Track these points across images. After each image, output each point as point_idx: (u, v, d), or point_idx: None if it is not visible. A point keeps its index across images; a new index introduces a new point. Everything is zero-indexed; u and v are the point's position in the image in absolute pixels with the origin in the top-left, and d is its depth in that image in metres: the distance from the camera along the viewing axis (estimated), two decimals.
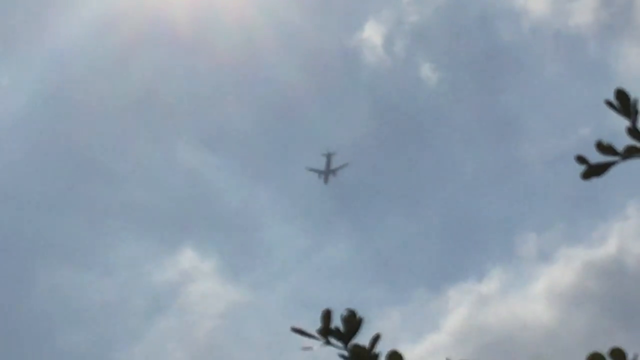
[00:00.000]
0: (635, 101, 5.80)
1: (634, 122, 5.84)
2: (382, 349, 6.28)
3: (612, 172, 5.99)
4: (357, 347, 6.30)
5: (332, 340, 6.34)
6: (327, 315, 6.23)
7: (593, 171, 5.95)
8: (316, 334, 6.31)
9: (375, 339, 6.32)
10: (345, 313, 6.23)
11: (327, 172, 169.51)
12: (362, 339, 6.39)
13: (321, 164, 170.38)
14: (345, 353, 6.37)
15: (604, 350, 6.20)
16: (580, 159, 5.96)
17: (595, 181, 5.99)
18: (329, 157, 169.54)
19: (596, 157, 5.96)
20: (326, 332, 6.22)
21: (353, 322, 6.23)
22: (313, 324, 6.34)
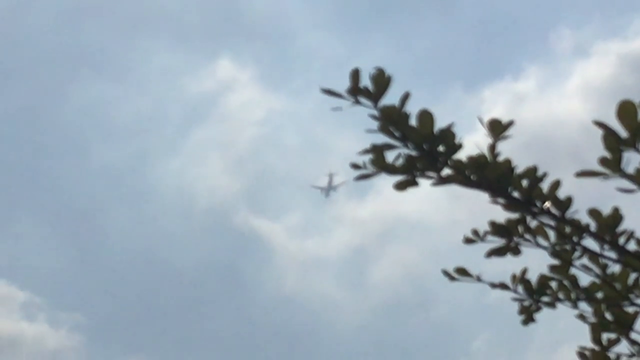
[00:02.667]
0: None
1: None
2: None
3: None
4: (387, 107, 6.31)
5: (362, 99, 6.34)
6: (355, 75, 6.21)
7: None
8: (345, 94, 6.30)
9: (405, 97, 6.31)
10: (373, 72, 6.20)
11: None
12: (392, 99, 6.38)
13: None
14: (375, 113, 6.38)
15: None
16: None
17: None
18: None
19: None
20: (355, 91, 6.21)
21: (382, 80, 6.21)
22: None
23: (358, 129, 6.61)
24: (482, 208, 7.34)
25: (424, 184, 6.83)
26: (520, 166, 6.82)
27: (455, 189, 6.76)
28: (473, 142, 6.78)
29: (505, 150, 6.75)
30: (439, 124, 6.51)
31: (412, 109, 6.41)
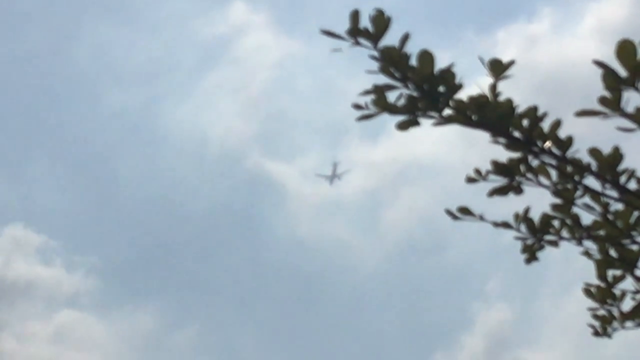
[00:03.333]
0: None
1: None
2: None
3: None
4: (387, 48, 6.33)
5: (362, 40, 6.36)
6: (355, 16, 6.23)
7: None
8: (345, 35, 6.33)
9: (405, 38, 6.33)
10: (373, 12, 6.22)
11: None
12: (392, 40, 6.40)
13: None
14: (375, 54, 6.40)
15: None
16: None
17: None
18: None
19: None
20: (355, 32, 6.23)
21: (381, 21, 6.23)
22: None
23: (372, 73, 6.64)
24: (496, 150, 7.40)
25: (426, 124, 6.88)
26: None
27: (469, 132, 6.80)
28: (476, 83, 6.82)
29: (517, 92, 6.79)
30: (453, 67, 6.55)
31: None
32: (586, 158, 7.13)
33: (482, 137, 7.01)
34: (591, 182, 7.31)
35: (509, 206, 8.59)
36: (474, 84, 6.77)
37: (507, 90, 6.78)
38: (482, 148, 7.34)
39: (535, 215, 7.86)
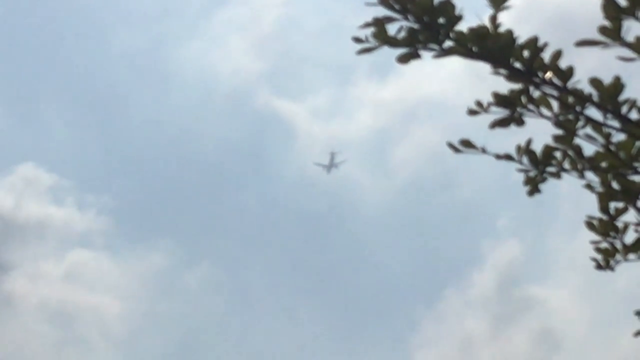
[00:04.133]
0: None
1: None
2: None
3: None
4: None
5: None
6: None
7: None
8: None
9: None
10: None
11: None
12: None
13: None
14: None
15: None
16: None
17: None
18: None
19: None
20: None
21: None
22: None
23: (382, 10, 6.61)
24: (506, 87, 7.38)
25: (428, 58, 6.86)
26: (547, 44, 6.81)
27: (478, 69, 6.79)
28: (476, 15, 6.78)
29: (528, 26, 6.76)
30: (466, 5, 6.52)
31: None
32: (587, 89, 7.12)
33: (492, 75, 6.98)
34: (593, 112, 7.31)
35: (517, 141, 8.60)
36: (475, 15, 6.74)
37: (516, 26, 6.75)
38: (492, 85, 7.34)
39: (538, 148, 7.87)
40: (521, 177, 7.95)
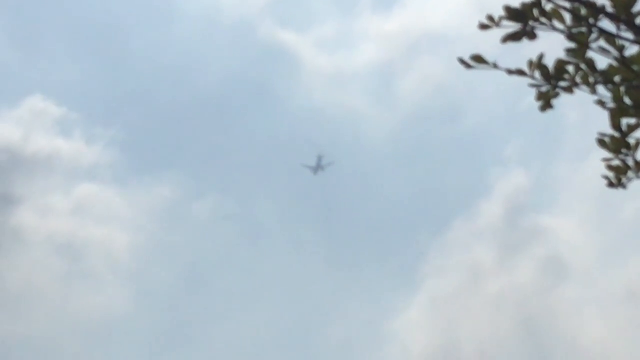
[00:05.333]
0: None
1: None
2: None
3: None
4: None
5: None
6: None
7: None
8: None
9: None
10: None
11: None
12: None
13: None
14: None
15: None
16: None
17: None
18: None
19: None
20: None
21: None
22: None
23: None
24: (518, 1, 7.26)
25: None
26: None
27: (482, 1, 6.67)
28: None
29: None
30: None
31: None
32: (601, 0, 7.02)
33: (497, 6, 6.88)
34: (606, 25, 7.21)
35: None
36: None
37: None
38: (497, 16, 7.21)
39: (550, 63, 7.79)
40: (529, 105, 7.92)
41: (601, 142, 8.26)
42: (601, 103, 7.94)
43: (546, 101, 7.97)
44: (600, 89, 7.84)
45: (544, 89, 7.88)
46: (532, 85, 7.87)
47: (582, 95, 7.90)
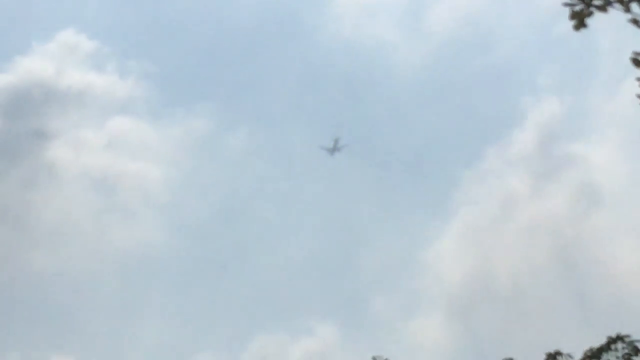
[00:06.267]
0: None
1: None
2: None
3: None
4: None
5: None
6: None
7: None
8: None
9: None
10: None
11: None
12: None
13: None
14: None
15: None
16: None
17: None
18: None
19: None
20: None
21: None
22: None
23: None
24: None
25: None
26: None
27: None
28: None
29: None
30: None
31: None
32: None
33: None
34: None
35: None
36: None
37: None
38: None
39: None
40: (561, 31, 7.99)
41: (635, 61, 8.36)
42: (635, 22, 8.00)
43: (580, 20, 8.04)
44: (634, 7, 7.90)
45: (578, 7, 7.95)
46: (566, 4, 7.95)
47: (615, 16, 7.98)
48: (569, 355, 31.63)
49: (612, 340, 30.99)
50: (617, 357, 30.72)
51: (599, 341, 30.96)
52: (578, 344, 32.10)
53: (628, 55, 8.33)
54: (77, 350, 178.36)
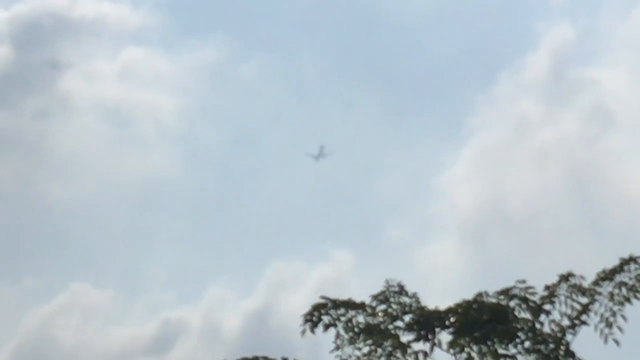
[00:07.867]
0: None
1: None
2: None
3: None
4: None
5: None
6: None
7: None
8: None
9: None
10: None
11: None
12: None
13: None
14: None
15: None
16: None
17: None
18: None
19: None
20: None
21: None
22: None
23: None
24: None
25: None
26: None
27: None
28: None
29: None
30: None
31: None
32: None
33: None
34: None
35: None
36: None
37: None
38: None
39: None
40: None
41: None
42: None
43: None
44: None
45: None
46: None
47: None
48: (582, 277, 31.94)
49: (625, 262, 31.21)
50: (630, 278, 31.00)
51: (612, 263, 31.23)
52: (591, 265, 32.44)
53: None
54: (93, 277, 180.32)
